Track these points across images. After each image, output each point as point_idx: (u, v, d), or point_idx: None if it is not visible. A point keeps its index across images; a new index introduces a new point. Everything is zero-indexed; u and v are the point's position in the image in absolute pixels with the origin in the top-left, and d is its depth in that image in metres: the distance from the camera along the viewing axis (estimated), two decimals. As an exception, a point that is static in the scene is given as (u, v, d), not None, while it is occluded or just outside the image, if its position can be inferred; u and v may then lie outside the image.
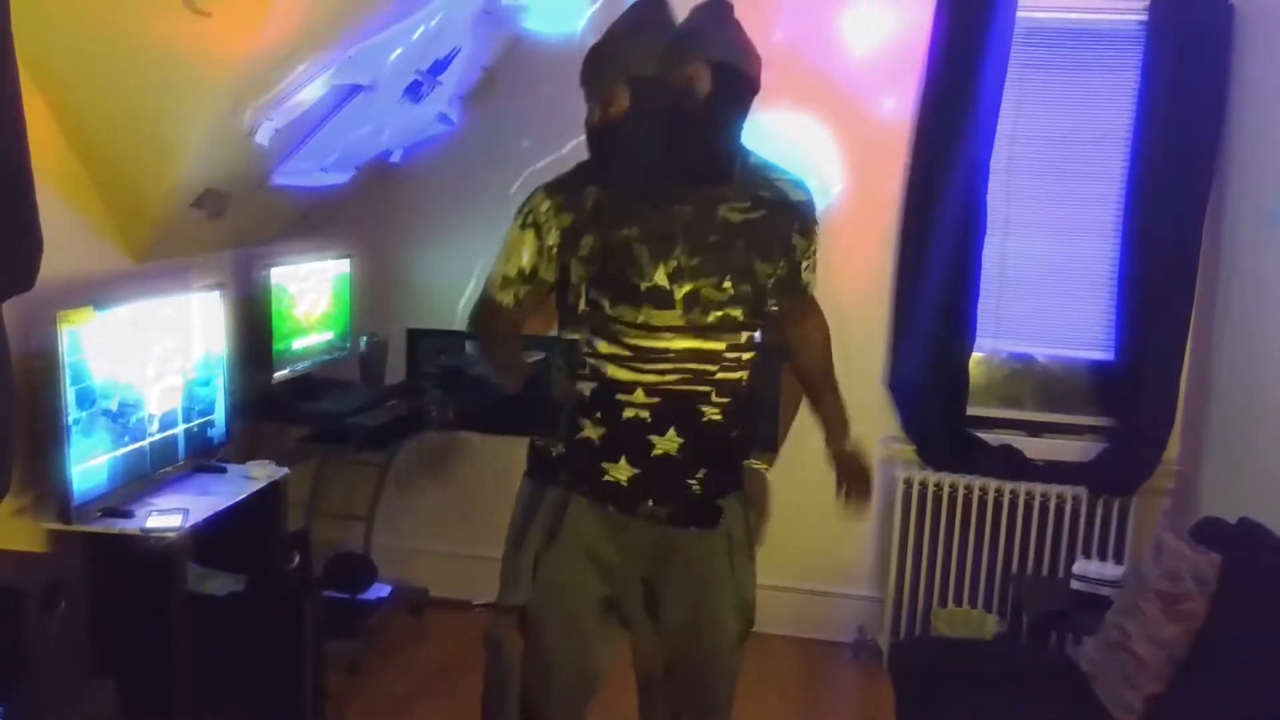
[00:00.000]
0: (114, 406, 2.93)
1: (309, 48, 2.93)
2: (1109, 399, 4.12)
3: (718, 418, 2.22)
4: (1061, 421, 4.19)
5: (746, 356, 2.26)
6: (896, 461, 4.20)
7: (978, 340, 4.07)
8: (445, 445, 4.37)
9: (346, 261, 4.23)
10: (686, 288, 2.15)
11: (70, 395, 2.75)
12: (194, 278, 3.56)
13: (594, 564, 2.29)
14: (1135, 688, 2.75)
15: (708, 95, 2.08)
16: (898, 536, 4.18)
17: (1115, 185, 4.02)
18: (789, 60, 4.04)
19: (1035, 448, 4.14)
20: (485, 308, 2.32)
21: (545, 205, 2.19)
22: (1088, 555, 3.99)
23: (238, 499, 3.17)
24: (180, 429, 3.25)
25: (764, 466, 2.57)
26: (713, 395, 2.21)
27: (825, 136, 4.09)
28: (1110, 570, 3.56)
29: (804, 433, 3.81)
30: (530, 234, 2.20)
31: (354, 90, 3.29)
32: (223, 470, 3.37)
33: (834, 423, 2.47)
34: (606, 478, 2.23)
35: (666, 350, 2.16)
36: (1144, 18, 3.87)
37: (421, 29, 3.31)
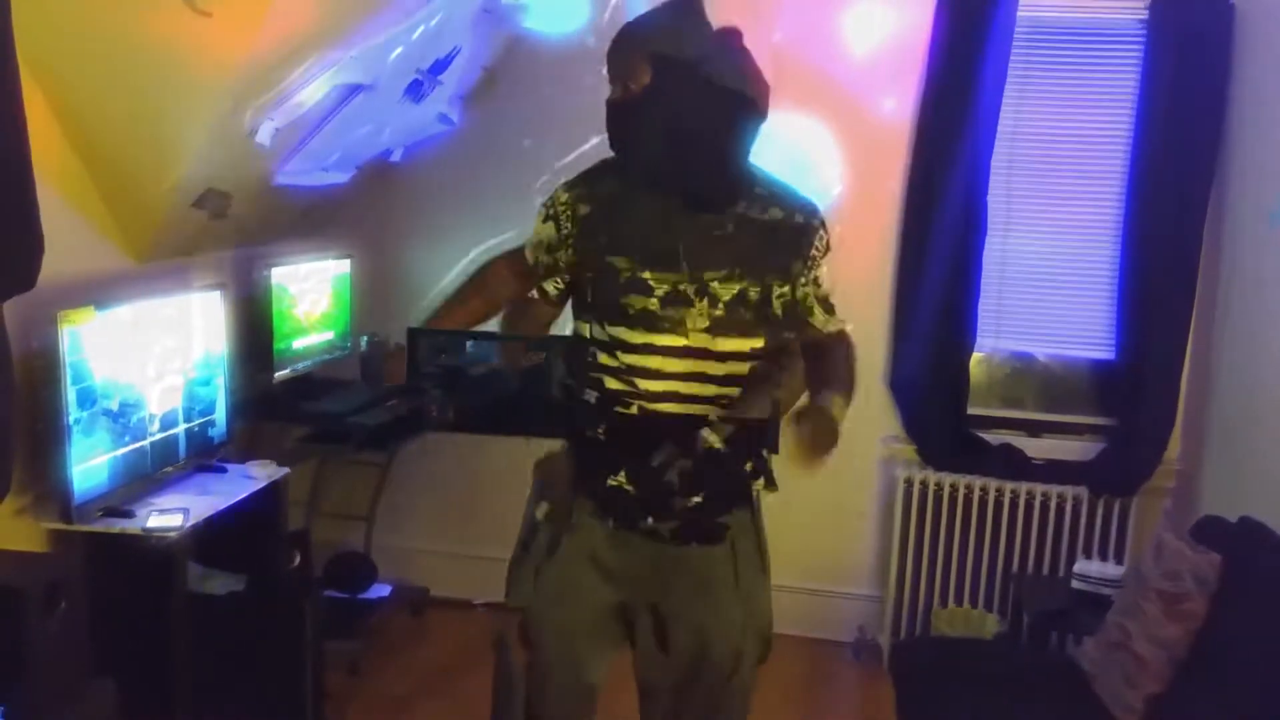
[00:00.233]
0: (115, 406, 2.93)
1: (310, 47, 2.93)
2: (1109, 399, 4.12)
3: (717, 444, 2.20)
4: (1062, 421, 4.19)
5: (747, 369, 2.24)
6: (897, 461, 4.20)
7: (978, 340, 4.07)
8: (446, 445, 4.37)
9: (347, 261, 4.23)
10: (690, 290, 2.15)
11: (71, 395, 2.75)
12: (195, 277, 3.56)
13: (598, 572, 2.28)
14: (1136, 687, 2.75)
15: (729, 123, 2.12)
16: (898, 536, 4.18)
17: (1115, 185, 4.02)
18: (790, 60, 4.04)
19: (1036, 447, 4.14)
20: (507, 256, 2.41)
21: (564, 198, 2.26)
22: (1088, 555, 4.00)
23: (238, 499, 3.17)
24: (181, 429, 3.25)
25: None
26: (710, 398, 2.20)
27: (826, 137, 4.09)
28: (1111, 570, 3.57)
29: (804, 432, 3.79)
30: (550, 226, 2.27)
31: (355, 90, 3.29)
32: (223, 470, 3.37)
33: (819, 390, 2.29)
34: (610, 483, 2.23)
35: (659, 370, 2.18)
36: (1144, 17, 3.87)
37: (422, 28, 3.31)
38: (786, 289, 2.23)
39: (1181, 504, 3.87)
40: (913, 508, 4.16)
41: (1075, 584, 3.57)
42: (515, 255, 2.41)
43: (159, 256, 3.33)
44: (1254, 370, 3.49)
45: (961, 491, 4.13)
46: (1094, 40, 4.02)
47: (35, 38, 2.45)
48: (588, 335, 2.26)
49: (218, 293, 3.46)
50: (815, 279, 2.27)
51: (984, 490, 4.11)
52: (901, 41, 4.00)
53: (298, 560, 3.48)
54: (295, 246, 4.03)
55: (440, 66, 3.63)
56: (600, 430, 2.24)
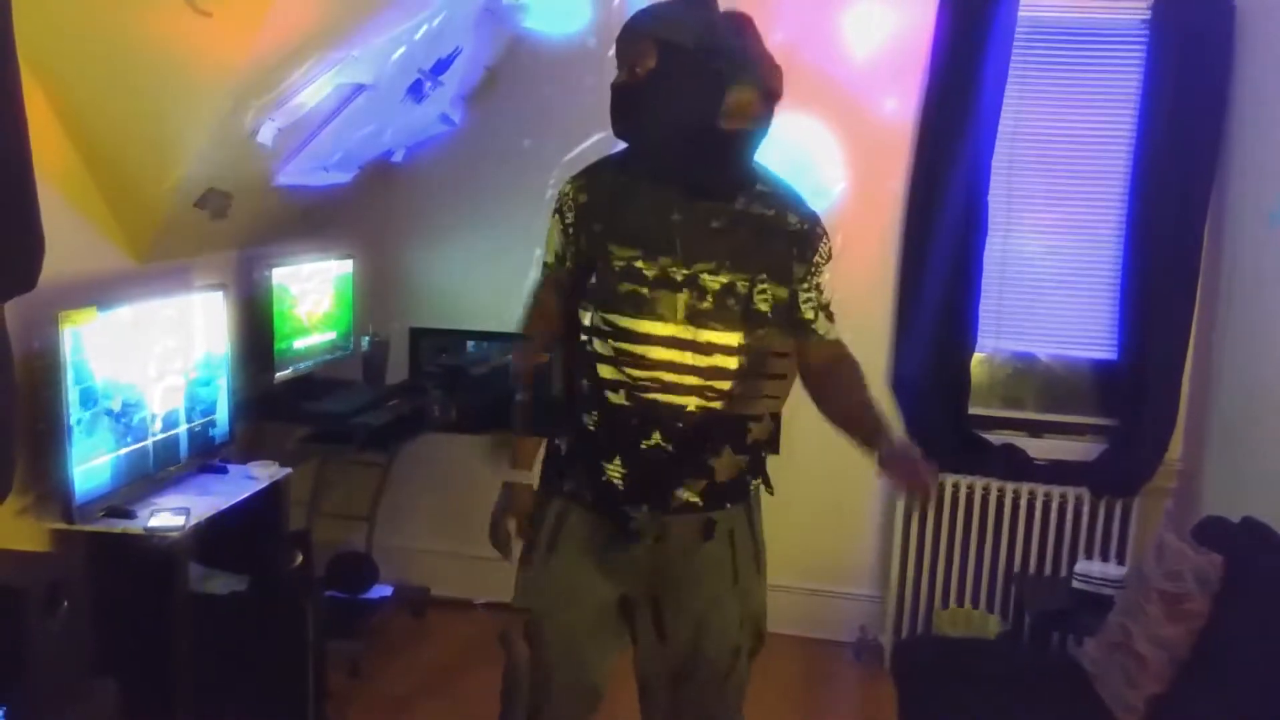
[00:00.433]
0: (116, 406, 2.93)
1: (311, 47, 2.93)
2: (1111, 399, 4.12)
3: (705, 417, 2.21)
4: (1063, 421, 4.19)
5: (738, 363, 2.24)
6: (898, 461, 4.19)
7: (980, 340, 4.07)
8: (447, 445, 4.37)
9: (349, 261, 4.24)
10: (682, 279, 2.17)
11: (73, 395, 2.75)
12: (196, 278, 3.56)
13: (597, 569, 2.29)
14: (1137, 688, 2.74)
15: (758, 119, 2.15)
16: (899, 536, 4.18)
17: (1117, 185, 4.01)
18: (791, 61, 3.99)
19: (1037, 448, 4.13)
20: (533, 292, 2.43)
21: (567, 189, 2.30)
22: (1090, 555, 4.00)
23: (240, 499, 3.18)
24: (182, 429, 3.25)
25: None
26: (701, 391, 2.20)
27: (828, 137, 4.09)
28: (1112, 570, 3.56)
29: (805, 433, 3.79)
30: (556, 218, 2.31)
31: (356, 90, 3.30)
32: (225, 470, 3.37)
33: (873, 436, 2.31)
34: (604, 477, 2.24)
35: (645, 357, 2.18)
36: (1146, 17, 3.87)
37: (424, 28, 3.31)
38: (783, 290, 2.23)
39: (1183, 504, 3.87)
40: (914, 508, 4.15)
41: (1076, 584, 3.57)
42: (536, 290, 2.44)
43: (160, 257, 3.33)
44: (1255, 370, 3.49)
45: (963, 492, 4.13)
46: (1095, 40, 4.02)
47: (35, 38, 2.45)
48: (587, 323, 2.26)
49: (219, 293, 3.46)
50: (818, 285, 2.27)
51: (985, 490, 4.11)
52: (903, 42, 4.00)
53: (299, 560, 3.48)
54: (297, 247, 4.04)
55: (442, 67, 3.63)
56: (593, 419, 2.25)
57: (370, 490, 4.42)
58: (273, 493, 3.33)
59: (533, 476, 2.43)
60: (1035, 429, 4.18)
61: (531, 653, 2.34)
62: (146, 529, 2.88)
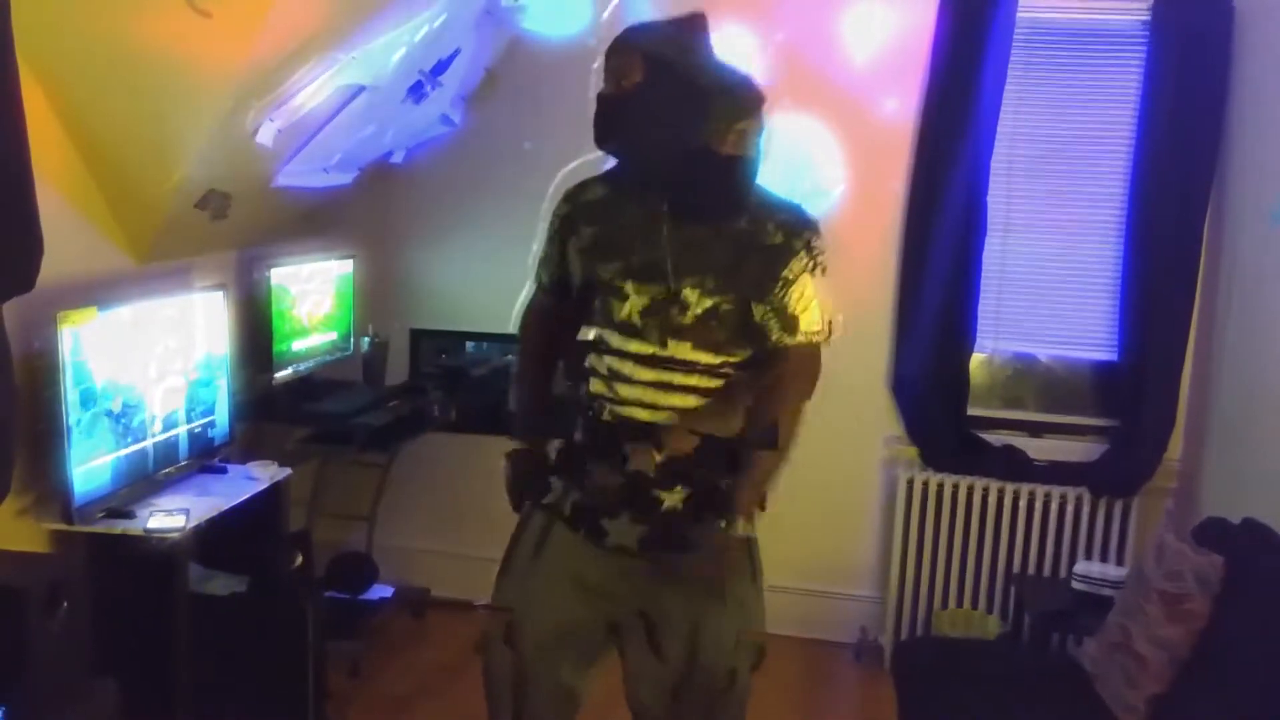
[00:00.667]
0: (116, 407, 2.93)
1: (311, 48, 2.93)
2: (1111, 399, 4.12)
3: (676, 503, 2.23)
4: (1063, 422, 4.18)
5: (725, 379, 2.24)
6: (898, 462, 4.19)
7: (979, 340, 4.07)
8: (447, 445, 4.37)
9: (349, 262, 4.24)
10: (669, 295, 2.17)
11: (72, 396, 2.75)
12: (196, 278, 3.56)
13: (578, 590, 2.30)
14: (1137, 688, 2.74)
15: (753, 148, 2.15)
16: (900, 537, 4.18)
17: (1117, 185, 4.02)
18: (792, 62, 4.04)
19: (1037, 448, 4.13)
20: (529, 307, 2.47)
21: (558, 205, 2.33)
22: (1089, 556, 4.00)
23: (240, 499, 3.18)
24: (182, 429, 3.25)
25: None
26: (687, 405, 2.21)
27: (828, 137, 4.08)
28: (1112, 571, 3.57)
29: (806, 434, 3.77)
30: (547, 233, 2.35)
31: (356, 91, 3.30)
32: (224, 471, 3.37)
33: (754, 473, 2.28)
34: (587, 484, 2.26)
35: (642, 354, 2.19)
36: (1146, 18, 3.87)
37: (424, 29, 3.31)
38: (763, 306, 2.23)
39: (1183, 505, 3.86)
40: (914, 509, 4.16)
41: (1076, 585, 3.57)
42: (531, 304, 2.48)
43: (160, 257, 3.34)
44: (1255, 370, 3.49)
45: (963, 492, 4.13)
46: (1095, 41, 4.02)
47: (35, 38, 2.46)
48: (593, 339, 2.28)
49: (219, 293, 3.47)
50: (785, 295, 2.23)
51: (985, 491, 4.11)
52: (904, 43, 4.00)
53: (299, 561, 3.48)
54: (297, 247, 4.04)
55: (442, 68, 3.63)
56: (581, 429, 2.27)
57: (370, 491, 4.42)
58: (273, 493, 3.33)
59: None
60: (1035, 429, 4.18)
61: (511, 654, 2.34)
62: (146, 530, 2.88)
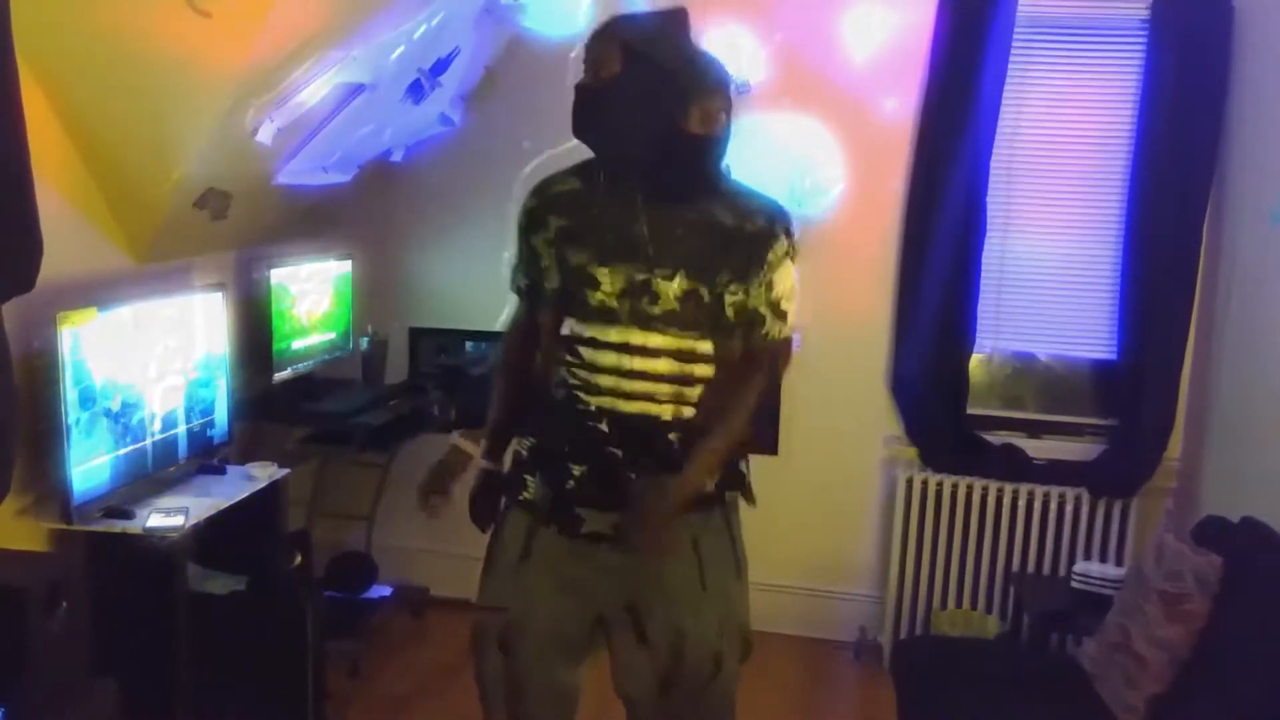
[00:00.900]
0: (115, 407, 2.93)
1: (311, 47, 2.93)
2: (1110, 399, 4.12)
3: (666, 420, 2.22)
4: (1063, 421, 4.18)
5: (700, 370, 2.24)
6: (898, 462, 4.20)
7: (979, 340, 4.07)
8: (446, 446, 4.36)
9: (348, 262, 4.23)
10: (642, 284, 2.17)
11: (72, 395, 2.75)
12: (195, 278, 3.56)
13: (562, 587, 2.29)
14: (1137, 688, 2.74)
15: (723, 126, 2.16)
16: (899, 537, 4.18)
17: (1116, 185, 4.01)
18: (791, 62, 4.05)
19: (1036, 448, 4.13)
20: (514, 325, 2.44)
21: (527, 201, 2.31)
22: (1089, 556, 4.00)
23: (239, 499, 3.18)
24: (181, 429, 3.25)
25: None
26: (660, 396, 2.21)
27: (827, 137, 4.08)
28: (1111, 571, 3.56)
29: (806, 435, 3.82)
30: (518, 231, 2.33)
31: (356, 90, 3.30)
32: (224, 470, 3.37)
33: (700, 460, 2.24)
34: (564, 480, 2.25)
35: (614, 344, 2.19)
36: (1145, 16, 3.87)
37: (423, 28, 3.31)
38: (740, 295, 2.23)
39: (1182, 504, 3.87)
40: (913, 508, 4.16)
41: (1076, 584, 3.57)
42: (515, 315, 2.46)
43: (160, 257, 3.33)
44: (1255, 370, 3.49)
45: (962, 492, 4.13)
46: (1094, 40, 4.01)
47: (35, 38, 2.46)
48: (567, 332, 2.27)
49: (218, 293, 3.46)
50: (769, 283, 2.25)
51: (985, 491, 4.11)
52: (903, 42, 4.00)
53: (298, 560, 3.48)
54: (296, 247, 4.04)
55: (441, 67, 3.63)
56: (555, 421, 2.27)
57: (369, 490, 4.42)
58: (272, 493, 3.33)
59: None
60: (1034, 429, 4.18)
61: (505, 658, 2.34)
62: (145, 529, 2.88)
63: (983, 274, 4.01)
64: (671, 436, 2.23)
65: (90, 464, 2.85)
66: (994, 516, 4.11)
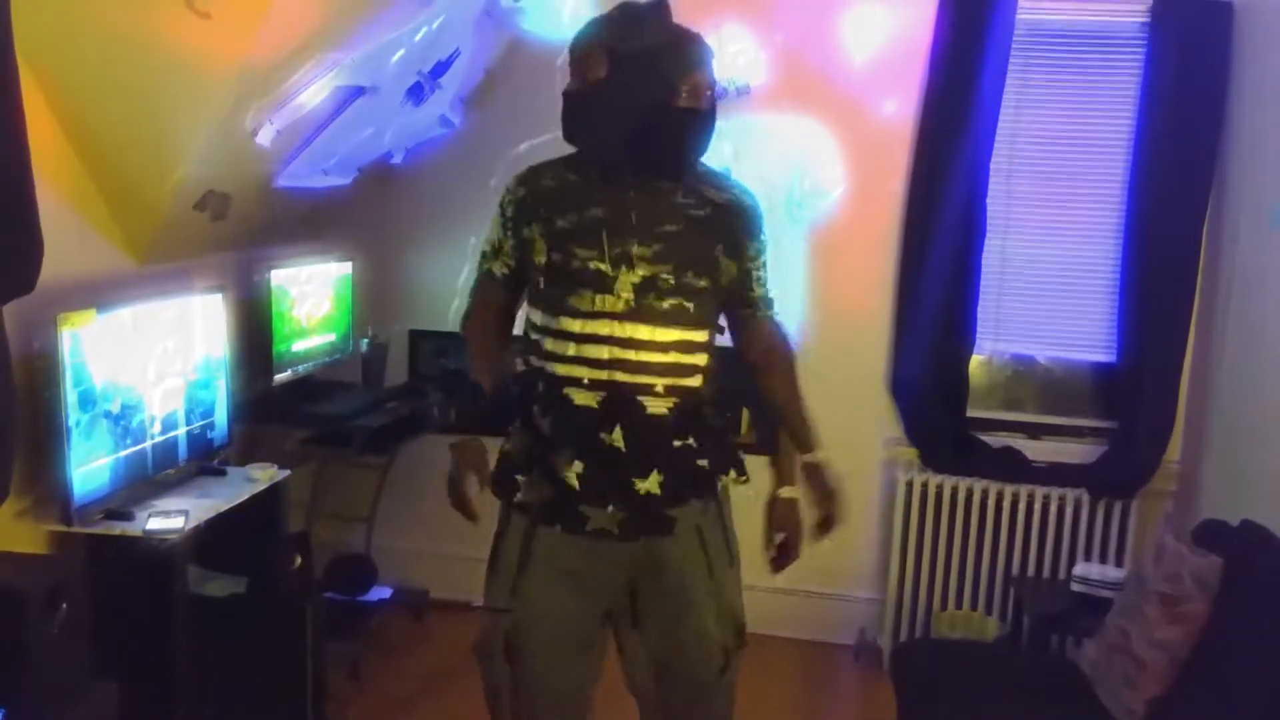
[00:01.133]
0: (115, 409, 2.93)
1: (311, 50, 2.93)
2: (1110, 401, 4.12)
3: (663, 412, 2.22)
4: (1062, 423, 4.19)
5: (695, 359, 2.26)
6: (898, 463, 4.20)
7: (978, 342, 4.07)
8: (446, 447, 4.36)
9: (348, 264, 4.24)
10: (635, 275, 2.18)
11: (71, 397, 2.75)
12: (195, 280, 3.56)
13: (570, 584, 2.29)
14: (1136, 690, 2.74)
15: (707, 101, 2.20)
16: (899, 539, 4.18)
17: (1116, 186, 4.02)
18: (792, 62, 4.05)
19: (1036, 450, 4.14)
20: (473, 290, 2.43)
21: (509, 185, 2.35)
22: (1089, 558, 4.00)
23: (239, 501, 3.17)
24: (181, 431, 3.25)
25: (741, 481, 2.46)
26: (656, 388, 2.21)
27: (827, 138, 4.09)
28: (1111, 573, 3.57)
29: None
30: (496, 218, 2.36)
31: (356, 92, 3.30)
32: (224, 472, 3.36)
33: (802, 441, 2.38)
34: (559, 476, 2.24)
35: (610, 336, 2.19)
36: (1145, 20, 3.87)
37: (423, 31, 3.31)
38: (734, 266, 2.28)
39: (1182, 506, 3.87)
40: (913, 510, 4.16)
41: (1075, 586, 3.57)
42: (473, 298, 2.44)
43: (160, 259, 3.33)
44: (1255, 372, 3.49)
45: (962, 494, 4.13)
46: (1094, 43, 4.02)
47: (35, 38, 2.46)
48: (537, 323, 2.28)
49: (218, 295, 3.46)
50: (761, 260, 2.33)
51: (984, 493, 4.12)
52: (903, 44, 4.01)
53: (298, 562, 3.48)
54: (296, 249, 4.04)
55: (441, 69, 3.64)
56: (542, 416, 2.26)
57: (369, 492, 4.42)
58: (272, 495, 3.32)
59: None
60: (1034, 431, 4.19)
61: (513, 666, 2.33)
62: (145, 531, 2.88)
63: (982, 276, 4.01)
64: (666, 427, 2.23)
65: (90, 466, 2.84)
66: (994, 518, 4.11)
